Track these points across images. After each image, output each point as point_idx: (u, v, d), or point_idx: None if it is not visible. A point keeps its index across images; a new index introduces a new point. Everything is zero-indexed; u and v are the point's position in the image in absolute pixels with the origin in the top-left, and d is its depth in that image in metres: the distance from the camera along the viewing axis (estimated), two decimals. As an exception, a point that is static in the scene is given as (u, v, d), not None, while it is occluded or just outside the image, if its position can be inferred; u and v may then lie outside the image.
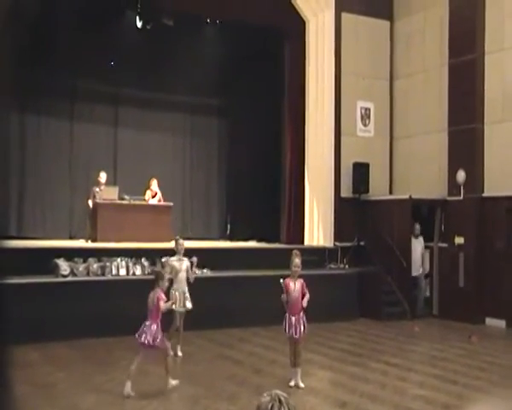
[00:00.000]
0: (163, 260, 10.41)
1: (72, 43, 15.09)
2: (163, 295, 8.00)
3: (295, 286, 8.16)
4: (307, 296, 8.13)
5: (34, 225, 15.92)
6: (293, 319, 8.07)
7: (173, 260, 9.93)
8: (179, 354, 9.85)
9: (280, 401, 2.74)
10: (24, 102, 15.67)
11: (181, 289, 9.80)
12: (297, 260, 8.25)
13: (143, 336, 7.80)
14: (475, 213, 13.79)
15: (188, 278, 9.88)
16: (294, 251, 8.40)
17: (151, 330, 7.83)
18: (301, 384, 8.05)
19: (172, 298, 9.34)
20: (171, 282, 9.52)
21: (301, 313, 8.15)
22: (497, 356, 10.44)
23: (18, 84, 15.12)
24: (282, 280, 8.14)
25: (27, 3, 13.64)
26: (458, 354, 10.52)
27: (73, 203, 16.28)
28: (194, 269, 10.01)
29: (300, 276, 8.27)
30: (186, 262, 9.89)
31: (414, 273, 14.59)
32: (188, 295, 9.87)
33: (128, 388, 7.67)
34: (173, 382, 7.92)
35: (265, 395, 2.76)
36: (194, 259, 9.95)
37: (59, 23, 14.87)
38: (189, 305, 9.88)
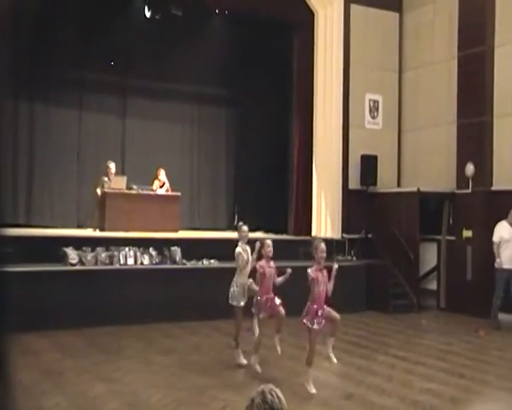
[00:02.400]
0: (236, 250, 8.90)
1: (80, 33, 15.11)
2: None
3: (323, 276, 7.55)
4: (332, 283, 7.57)
5: (42, 213, 15.96)
6: (320, 312, 7.48)
7: (242, 251, 8.85)
8: (244, 361, 8.83)
9: (268, 393, 2.81)
10: (32, 92, 15.70)
11: (244, 281, 8.90)
12: (323, 246, 7.53)
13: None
14: (484, 207, 13.75)
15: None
16: (317, 237, 7.88)
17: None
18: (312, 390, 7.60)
19: (234, 291, 8.79)
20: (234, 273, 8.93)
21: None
22: (504, 350, 10.44)
23: (26, 74, 15.16)
24: (309, 270, 7.46)
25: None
26: (466, 348, 10.52)
27: (81, 192, 16.32)
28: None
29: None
30: (249, 251, 8.93)
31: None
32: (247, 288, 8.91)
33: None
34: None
35: (257, 390, 2.85)
36: (258, 244, 8.76)
37: (68, 13, 14.89)
38: (242, 301, 8.87)
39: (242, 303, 8.82)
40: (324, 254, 7.52)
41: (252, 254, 8.79)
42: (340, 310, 7.85)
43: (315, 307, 7.47)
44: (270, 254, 8.41)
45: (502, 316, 12.85)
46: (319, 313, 7.46)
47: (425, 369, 9.00)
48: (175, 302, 11.75)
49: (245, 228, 9.05)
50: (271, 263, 8.44)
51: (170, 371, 8.41)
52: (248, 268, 8.87)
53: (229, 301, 8.83)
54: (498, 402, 7.78)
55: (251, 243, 8.89)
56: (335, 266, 7.57)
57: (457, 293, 14.09)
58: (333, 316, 7.68)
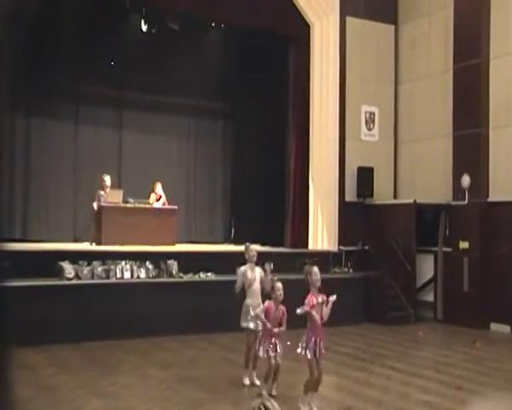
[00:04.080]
0: (240, 270, 8.67)
1: (77, 46, 15.11)
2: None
3: (318, 304, 7.21)
4: (328, 312, 7.29)
5: (39, 227, 15.93)
6: (317, 339, 7.23)
7: (245, 271, 8.60)
8: (257, 382, 8.44)
9: (269, 403, 2.88)
10: (29, 105, 15.71)
11: (255, 303, 8.42)
12: (316, 270, 7.32)
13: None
14: (480, 218, 13.76)
15: (263, 289, 8.52)
16: (307, 262, 7.38)
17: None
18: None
19: (245, 313, 8.46)
20: (244, 295, 8.59)
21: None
22: (502, 362, 10.41)
23: (23, 86, 15.17)
24: (307, 303, 7.13)
25: (32, 7, 13.71)
26: (463, 360, 10.50)
27: (78, 206, 16.29)
28: (269, 275, 8.64)
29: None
30: (259, 271, 8.64)
31: None
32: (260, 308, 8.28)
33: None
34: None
35: (258, 400, 2.91)
36: (268, 266, 8.87)
37: (64, 26, 14.90)
38: (259, 326, 8.31)
39: (250, 325, 8.43)
40: (318, 278, 7.30)
41: (264, 274, 8.60)
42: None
43: (312, 337, 7.23)
44: (281, 298, 7.88)
45: (496, 327, 12.88)
46: (317, 342, 7.22)
47: (422, 381, 8.98)
48: (172, 316, 11.72)
49: (252, 248, 8.73)
50: (281, 306, 7.92)
51: (166, 386, 8.37)
52: (256, 288, 8.52)
53: (241, 323, 8.55)
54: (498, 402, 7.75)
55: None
56: (333, 297, 7.32)
57: (454, 304, 14.08)
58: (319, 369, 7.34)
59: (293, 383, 8.26)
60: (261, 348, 7.90)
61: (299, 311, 7.18)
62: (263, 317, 7.86)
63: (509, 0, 13.63)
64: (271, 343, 7.85)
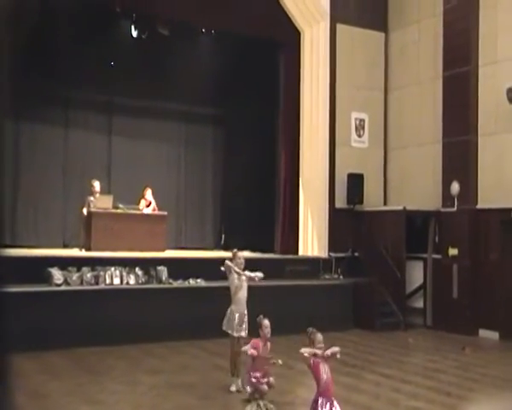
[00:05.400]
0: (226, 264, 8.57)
1: (66, 51, 15.07)
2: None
3: (325, 369, 6.54)
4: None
5: (27, 233, 15.86)
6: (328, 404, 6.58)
7: (233, 277, 8.52)
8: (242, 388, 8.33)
9: (264, 406, 2.89)
10: (18, 109, 15.63)
11: (240, 310, 8.43)
12: (319, 337, 6.58)
13: None
14: (469, 225, 13.82)
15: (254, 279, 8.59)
16: (310, 331, 6.62)
17: None
18: None
19: (230, 319, 8.42)
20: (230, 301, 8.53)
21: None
22: (490, 368, 10.44)
23: (12, 91, 15.11)
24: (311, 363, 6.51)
25: (21, 13, 13.66)
26: (452, 366, 10.53)
27: (67, 212, 16.24)
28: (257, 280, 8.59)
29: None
30: (245, 279, 8.51)
31: None
32: (246, 319, 8.42)
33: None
34: None
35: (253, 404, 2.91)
36: (259, 275, 8.68)
37: (54, 31, 14.86)
38: (243, 333, 8.40)
39: (233, 333, 8.38)
40: (323, 345, 6.55)
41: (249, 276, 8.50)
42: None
43: (319, 399, 6.61)
44: (268, 335, 7.81)
45: (484, 333, 12.92)
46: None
47: (412, 387, 9.00)
48: (162, 322, 11.68)
49: (240, 255, 8.66)
50: (268, 344, 7.86)
51: (156, 392, 8.34)
52: (242, 296, 8.44)
53: (223, 328, 8.51)
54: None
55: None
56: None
57: (444, 311, 14.12)
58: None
59: (283, 389, 8.24)
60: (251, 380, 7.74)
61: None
62: (250, 352, 7.78)
63: (497, 8, 13.72)
64: (264, 380, 7.71)
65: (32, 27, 14.11)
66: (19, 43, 14.42)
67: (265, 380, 7.69)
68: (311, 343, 6.62)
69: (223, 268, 8.65)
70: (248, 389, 7.76)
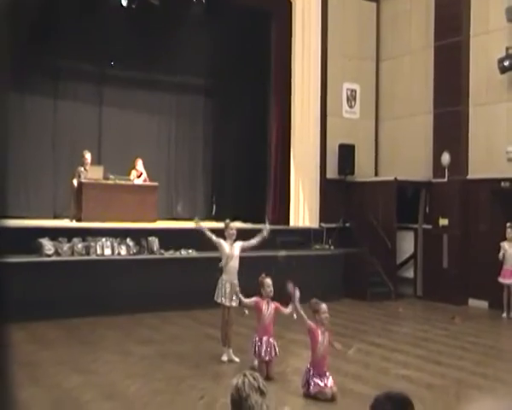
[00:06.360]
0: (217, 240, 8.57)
1: (56, 21, 14.88)
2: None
3: (324, 338, 7.00)
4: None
5: (18, 204, 15.74)
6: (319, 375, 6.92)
7: (223, 244, 8.51)
8: (235, 359, 8.44)
9: (253, 377, 2.95)
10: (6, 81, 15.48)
11: (231, 280, 8.42)
12: (324, 307, 7.05)
13: None
14: (460, 196, 13.88)
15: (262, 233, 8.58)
16: (315, 301, 7.03)
17: None
18: None
19: (220, 290, 8.42)
20: (221, 271, 8.52)
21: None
22: (479, 336, 10.56)
23: (11, 65, 14.94)
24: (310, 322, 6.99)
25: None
26: (442, 335, 10.63)
27: (57, 182, 16.14)
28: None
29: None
30: (238, 248, 8.50)
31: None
32: (238, 289, 8.38)
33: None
34: None
35: (239, 375, 2.96)
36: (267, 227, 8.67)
37: (43, 2, 14.68)
38: (234, 303, 8.44)
39: (225, 302, 8.39)
40: (327, 315, 7.01)
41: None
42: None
43: (311, 370, 6.96)
44: (271, 294, 7.89)
45: (474, 302, 13.03)
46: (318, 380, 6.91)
47: (402, 356, 9.08)
48: (153, 293, 11.71)
49: (232, 225, 8.61)
50: (272, 304, 7.92)
51: (148, 362, 8.39)
52: (233, 265, 8.45)
53: (214, 298, 8.52)
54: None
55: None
56: (338, 346, 7.24)
57: (434, 281, 14.22)
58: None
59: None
60: (258, 351, 7.78)
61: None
62: (246, 301, 7.93)
63: (490, -23, 13.64)
64: (268, 346, 7.76)
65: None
66: (5, 15, 14.26)
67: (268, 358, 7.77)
68: (317, 313, 6.90)
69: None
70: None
